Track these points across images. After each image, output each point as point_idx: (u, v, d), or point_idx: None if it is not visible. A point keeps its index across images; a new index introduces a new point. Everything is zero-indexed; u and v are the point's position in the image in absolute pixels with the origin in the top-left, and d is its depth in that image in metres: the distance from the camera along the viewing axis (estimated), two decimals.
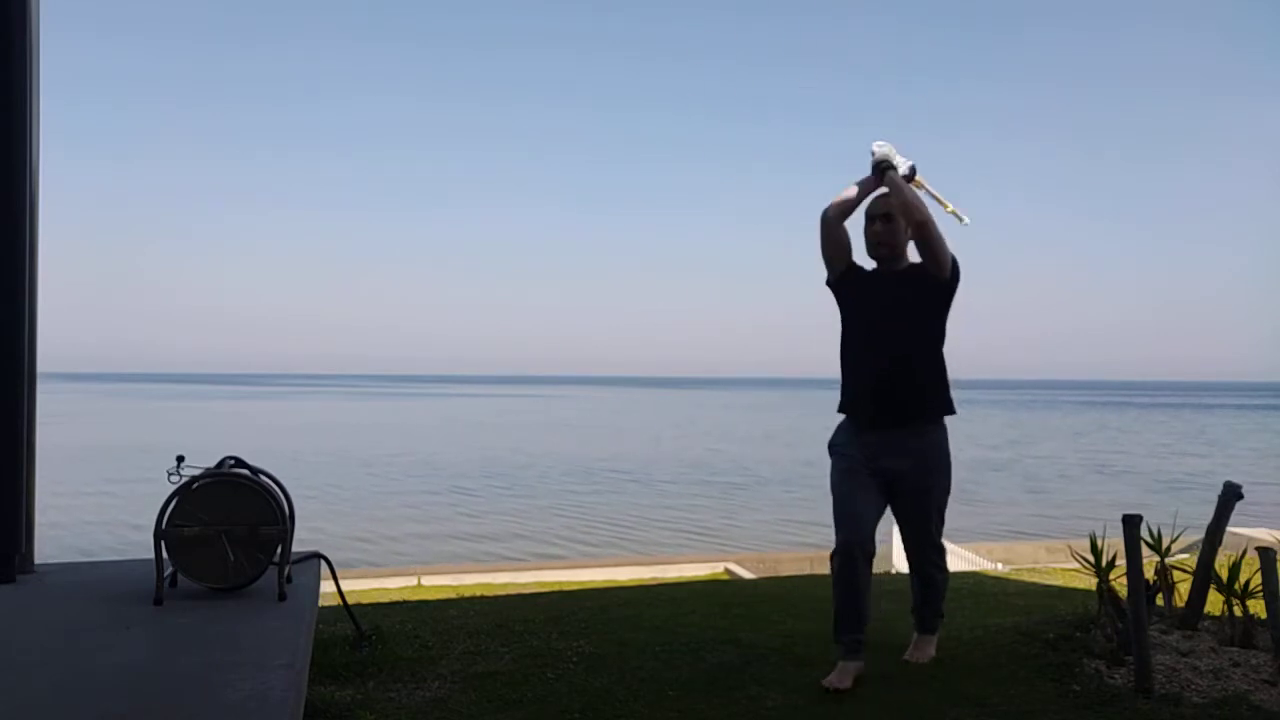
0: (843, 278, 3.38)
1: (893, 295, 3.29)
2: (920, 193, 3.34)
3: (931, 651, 3.52)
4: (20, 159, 3.41)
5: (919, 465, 3.30)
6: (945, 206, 3.43)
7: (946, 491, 3.39)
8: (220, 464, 3.26)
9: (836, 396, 3.45)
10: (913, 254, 3.34)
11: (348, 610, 3.70)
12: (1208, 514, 3.73)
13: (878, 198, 3.33)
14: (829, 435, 3.47)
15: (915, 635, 3.56)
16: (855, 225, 3.41)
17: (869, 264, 3.41)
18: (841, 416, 3.43)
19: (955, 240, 3.27)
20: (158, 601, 2.99)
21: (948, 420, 3.40)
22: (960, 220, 3.46)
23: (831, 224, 3.33)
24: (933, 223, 3.20)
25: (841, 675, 3.17)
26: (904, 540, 3.48)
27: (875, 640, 3.68)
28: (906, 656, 3.49)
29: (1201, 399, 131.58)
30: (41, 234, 3.57)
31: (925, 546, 3.43)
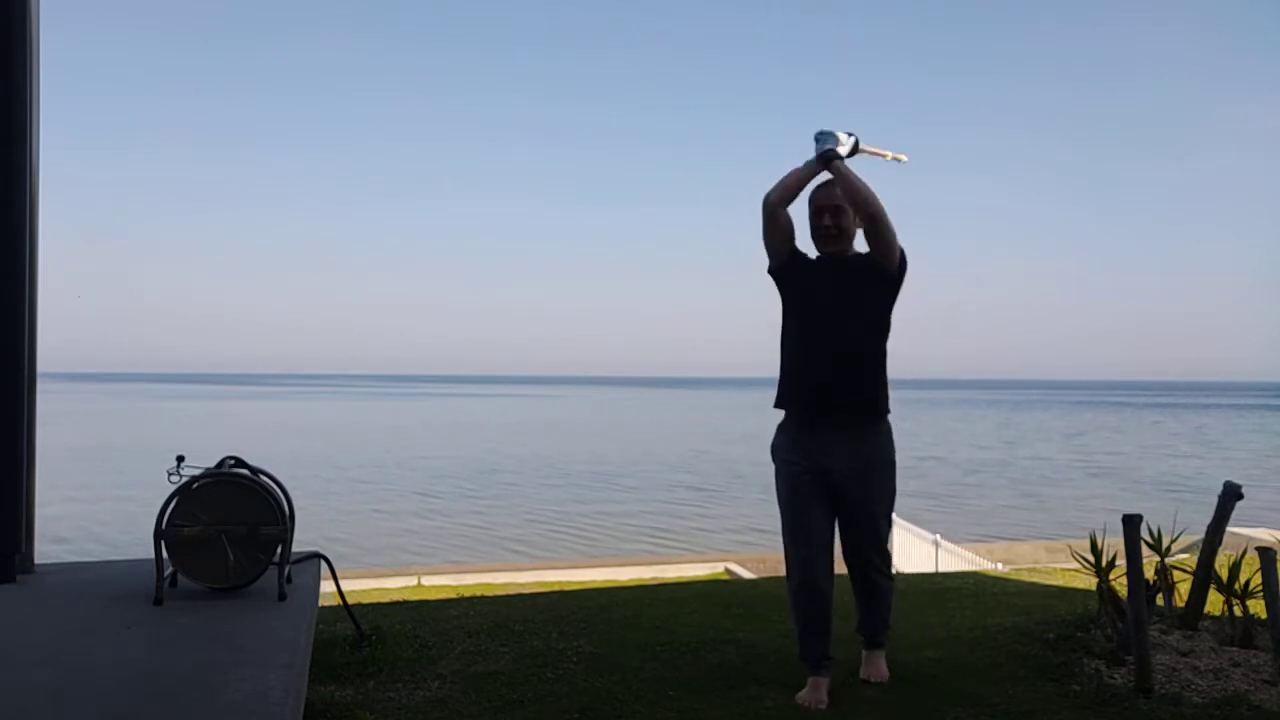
0: (785, 265, 3.23)
1: (838, 285, 3.14)
2: (863, 156, 3.26)
3: (884, 668, 3.30)
4: (20, 159, 3.40)
5: (862, 467, 3.13)
6: (886, 156, 3.34)
7: (892, 494, 3.23)
8: (220, 464, 3.26)
9: None
10: (859, 244, 3.21)
11: (348, 610, 3.70)
12: (1207, 514, 3.73)
13: (825, 187, 3.18)
14: None
15: (864, 654, 3.33)
16: (798, 210, 3.25)
17: (812, 250, 3.26)
18: (779, 415, 3.26)
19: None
20: (158, 601, 2.98)
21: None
22: (902, 161, 3.37)
23: (774, 209, 3.17)
24: (885, 214, 3.06)
25: (816, 691, 3.07)
26: (845, 546, 3.26)
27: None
28: (863, 677, 3.28)
29: (1199, 399, 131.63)
30: (41, 232, 3.57)
31: (869, 552, 3.23)
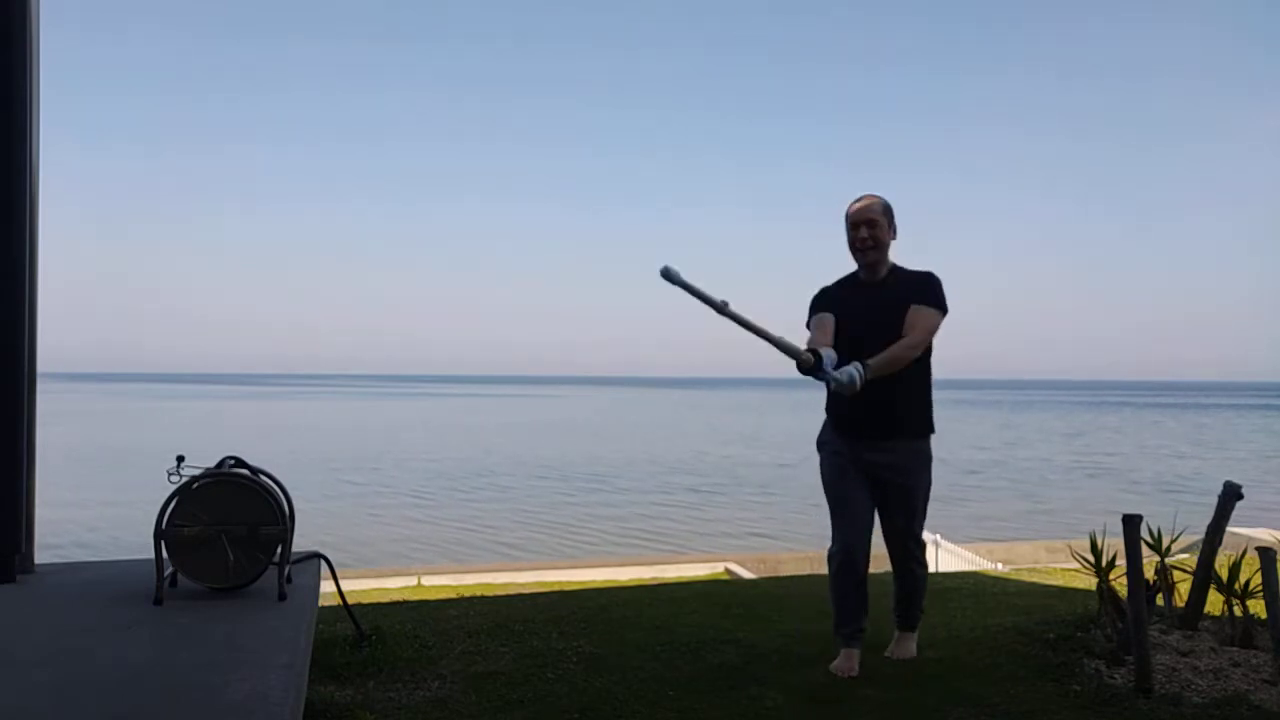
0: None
1: (873, 314, 3.28)
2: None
3: (913, 648, 3.58)
4: (20, 158, 3.40)
5: (902, 463, 3.37)
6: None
7: (928, 487, 3.47)
8: (220, 464, 3.26)
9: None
10: (894, 256, 3.39)
11: (348, 610, 3.70)
12: (1207, 514, 3.73)
13: (860, 202, 3.34)
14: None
15: (896, 633, 3.62)
16: (836, 229, 3.45)
17: (843, 270, 3.43)
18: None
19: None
20: (158, 601, 2.98)
21: (935, 424, 3.47)
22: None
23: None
24: (918, 350, 3.21)
25: (848, 661, 3.33)
26: (886, 535, 3.51)
27: (874, 641, 3.68)
28: (889, 653, 3.56)
29: (1199, 399, 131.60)
30: (41, 233, 3.57)
31: (908, 541, 3.49)
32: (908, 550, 3.51)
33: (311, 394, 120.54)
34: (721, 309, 2.87)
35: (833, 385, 3.01)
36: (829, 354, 3.01)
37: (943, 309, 3.30)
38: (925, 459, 3.42)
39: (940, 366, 3.43)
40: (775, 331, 2.94)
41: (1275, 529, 10.57)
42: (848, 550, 3.34)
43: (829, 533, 3.45)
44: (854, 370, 2.96)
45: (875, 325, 3.25)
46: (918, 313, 3.23)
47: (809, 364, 2.93)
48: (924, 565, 3.57)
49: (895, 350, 3.14)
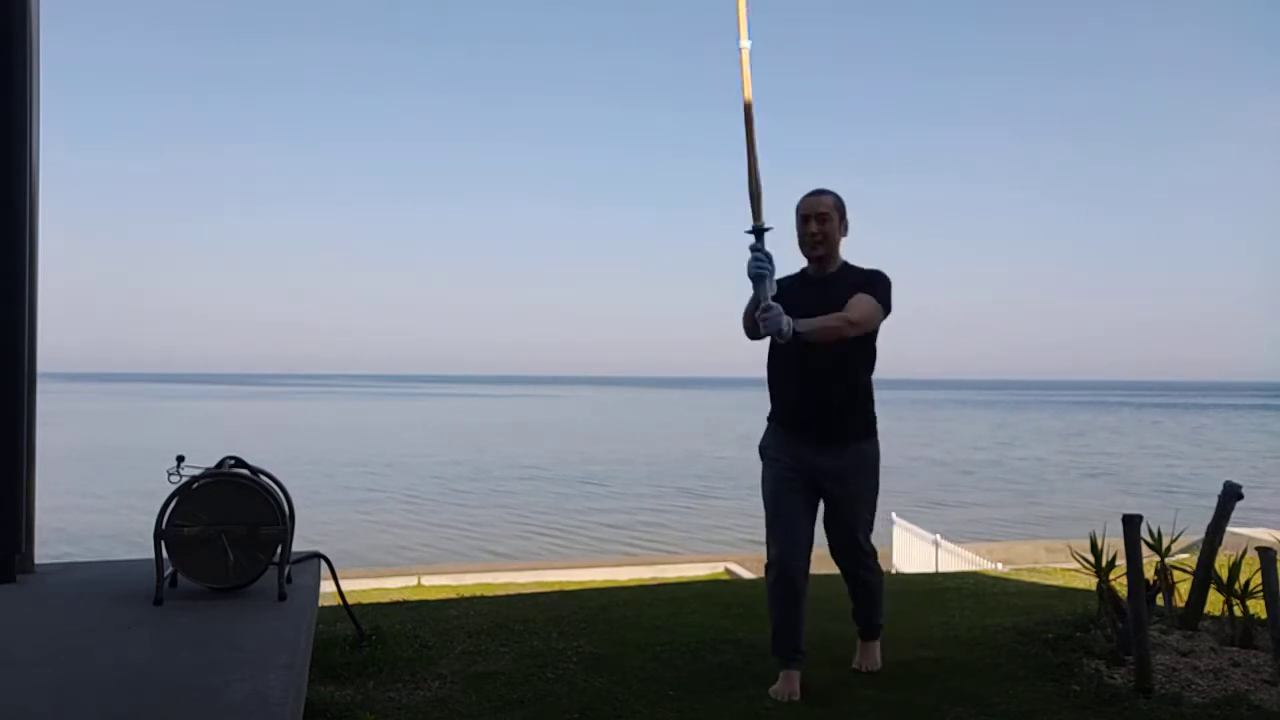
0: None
1: (824, 309, 3.06)
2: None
3: (877, 658, 3.44)
4: (20, 158, 3.40)
5: (847, 468, 3.22)
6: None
7: (874, 493, 3.29)
8: (220, 464, 3.26)
9: None
10: (845, 252, 3.25)
11: (348, 610, 3.70)
12: (1206, 514, 3.73)
13: (810, 196, 3.20)
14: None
15: (859, 643, 3.47)
16: (786, 218, 3.25)
17: (793, 266, 3.29)
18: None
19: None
20: (158, 601, 2.98)
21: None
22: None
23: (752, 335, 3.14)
24: (856, 329, 3.04)
25: (788, 683, 3.16)
26: (832, 542, 3.35)
27: None
28: (855, 665, 3.43)
29: (1199, 399, 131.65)
30: (41, 233, 3.57)
31: (854, 549, 3.31)
32: (855, 559, 3.33)
33: (311, 394, 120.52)
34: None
35: (759, 281, 2.96)
36: (774, 286, 2.97)
37: (886, 306, 3.14)
38: (870, 466, 3.26)
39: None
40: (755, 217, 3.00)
41: (1275, 529, 10.58)
42: (783, 564, 3.16)
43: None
44: (787, 318, 2.89)
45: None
46: (859, 299, 3.08)
47: (759, 231, 2.97)
48: (875, 572, 3.38)
49: (827, 320, 2.99)
